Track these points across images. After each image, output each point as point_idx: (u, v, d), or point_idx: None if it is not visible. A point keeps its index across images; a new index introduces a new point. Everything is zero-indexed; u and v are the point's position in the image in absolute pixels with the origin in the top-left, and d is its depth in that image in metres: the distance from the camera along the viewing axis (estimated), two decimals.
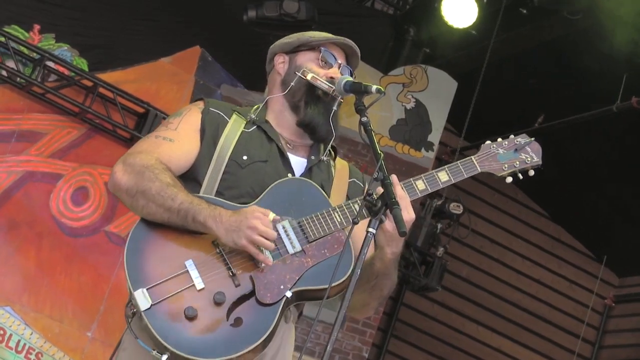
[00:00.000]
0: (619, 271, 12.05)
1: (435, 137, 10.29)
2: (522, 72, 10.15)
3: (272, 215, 3.21)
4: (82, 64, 8.76)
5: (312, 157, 3.48)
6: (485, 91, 9.60)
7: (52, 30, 8.69)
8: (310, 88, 3.46)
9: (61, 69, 8.56)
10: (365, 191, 3.11)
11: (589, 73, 9.16)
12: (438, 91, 10.29)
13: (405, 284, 10.46)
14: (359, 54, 3.58)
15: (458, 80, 10.25)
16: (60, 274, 8.42)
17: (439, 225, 10.14)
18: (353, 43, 3.56)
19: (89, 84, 8.60)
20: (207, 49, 9.32)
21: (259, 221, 3.13)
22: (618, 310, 11.92)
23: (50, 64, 8.50)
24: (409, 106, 10.27)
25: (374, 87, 3.24)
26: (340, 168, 3.57)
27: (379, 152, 3.11)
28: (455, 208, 9.98)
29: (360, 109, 3.24)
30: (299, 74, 3.46)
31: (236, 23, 9.02)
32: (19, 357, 8.14)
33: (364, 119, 3.21)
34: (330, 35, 3.56)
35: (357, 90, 3.30)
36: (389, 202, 2.99)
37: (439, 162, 10.97)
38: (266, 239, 3.14)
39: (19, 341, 8.13)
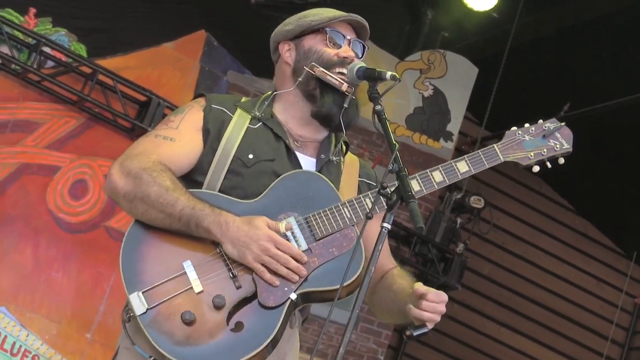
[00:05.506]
0: None
1: (454, 126, 10.27)
2: (547, 57, 10.11)
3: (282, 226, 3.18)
4: (81, 49, 8.75)
5: (322, 156, 3.44)
6: (507, 78, 9.58)
7: (49, 13, 8.67)
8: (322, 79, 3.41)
9: (58, 55, 8.54)
10: (380, 183, 3.03)
11: (616, 59, 9.15)
12: (457, 78, 10.27)
13: (424, 282, 10.43)
14: (367, 25, 3.52)
15: (479, 66, 10.24)
16: (58, 272, 8.42)
17: (459, 220, 10.13)
18: (357, 16, 3.50)
19: (88, 70, 8.58)
20: (212, 33, 9.30)
21: (273, 245, 3.11)
22: None
23: (46, 49, 8.47)
24: (426, 94, 10.25)
25: (389, 74, 3.19)
26: (350, 164, 3.53)
27: (394, 142, 3.07)
28: (476, 202, 9.97)
29: (374, 97, 3.20)
30: (307, 69, 3.41)
31: (244, 5, 9.00)
32: None
33: (378, 107, 3.16)
34: (331, 14, 3.49)
35: (371, 76, 3.26)
36: (404, 195, 2.92)
37: (459, 153, 10.95)
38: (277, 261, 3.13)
39: (14, 343, 8.13)
